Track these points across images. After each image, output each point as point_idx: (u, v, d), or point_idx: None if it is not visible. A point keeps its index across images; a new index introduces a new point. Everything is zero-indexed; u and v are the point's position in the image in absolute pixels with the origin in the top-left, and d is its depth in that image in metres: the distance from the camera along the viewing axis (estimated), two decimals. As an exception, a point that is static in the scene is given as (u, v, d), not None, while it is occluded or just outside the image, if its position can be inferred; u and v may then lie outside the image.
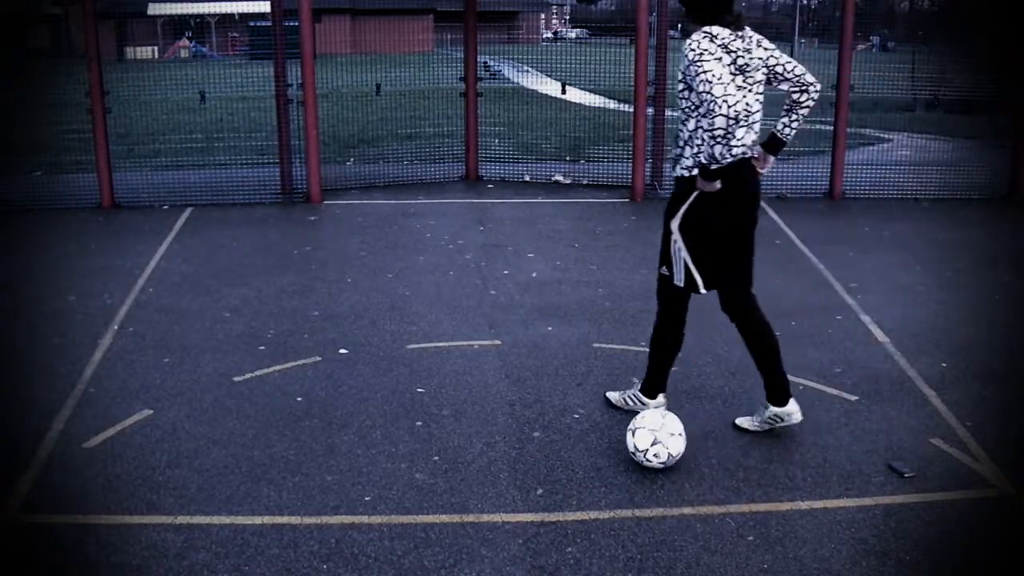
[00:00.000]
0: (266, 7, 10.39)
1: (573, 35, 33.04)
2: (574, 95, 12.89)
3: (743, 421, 4.44)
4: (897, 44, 15.53)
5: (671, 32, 10.53)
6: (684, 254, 4.20)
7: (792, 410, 4.33)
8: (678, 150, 4.17)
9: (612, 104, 14.05)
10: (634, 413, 4.32)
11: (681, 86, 4.05)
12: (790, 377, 5.06)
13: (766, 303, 6.35)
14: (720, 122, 3.78)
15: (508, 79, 15.77)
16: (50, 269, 7.27)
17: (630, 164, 10.01)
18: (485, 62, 12.48)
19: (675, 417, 4.07)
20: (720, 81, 3.81)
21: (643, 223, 9.07)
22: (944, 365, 5.25)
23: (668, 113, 10.28)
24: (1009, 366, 5.27)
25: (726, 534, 3.56)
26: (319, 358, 5.35)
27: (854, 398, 4.80)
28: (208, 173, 10.60)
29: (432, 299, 6.45)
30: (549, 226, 8.72)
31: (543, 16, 41.51)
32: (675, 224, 4.19)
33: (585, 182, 10.80)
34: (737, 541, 3.51)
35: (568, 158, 12.16)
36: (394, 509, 3.73)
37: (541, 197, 10.10)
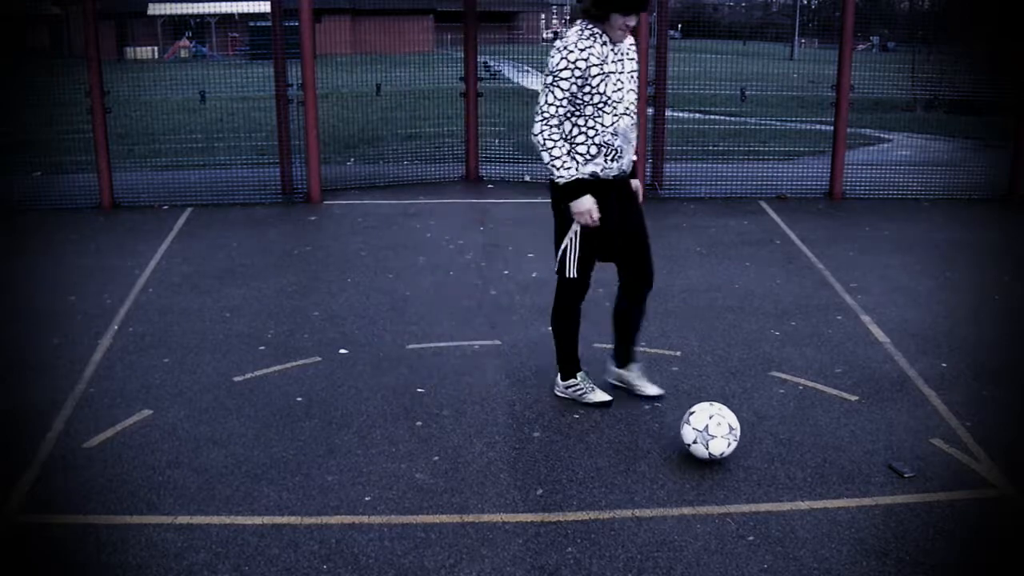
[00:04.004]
0: (266, 7, 10.40)
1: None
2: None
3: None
4: (897, 44, 15.52)
5: (671, 32, 10.53)
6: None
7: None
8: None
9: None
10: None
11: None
12: (790, 377, 5.08)
13: (766, 303, 6.38)
14: None
15: (508, 79, 15.77)
16: (50, 269, 7.27)
17: (630, 164, 9.99)
18: (485, 62, 12.47)
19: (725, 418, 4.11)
20: None
21: (643, 223, 9.07)
22: (944, 365, 5.26)
23: (669, 113, 10.30)
24: (1009, 366, 5.27)
25: (726, 534, 3.56)
26: (319, 358, 5.35)
27: (854, 398, 4.80)
28: (208, 173, 10.60)
29: (432, 299, 6.45)
30: (549, 226, 8.68)
31: (543, 16, 41.48)
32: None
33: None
34: (737, 541, 3.51)
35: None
36: (394, 509, 3.73)
37: (541, 197, 10.06)
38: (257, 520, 3.65)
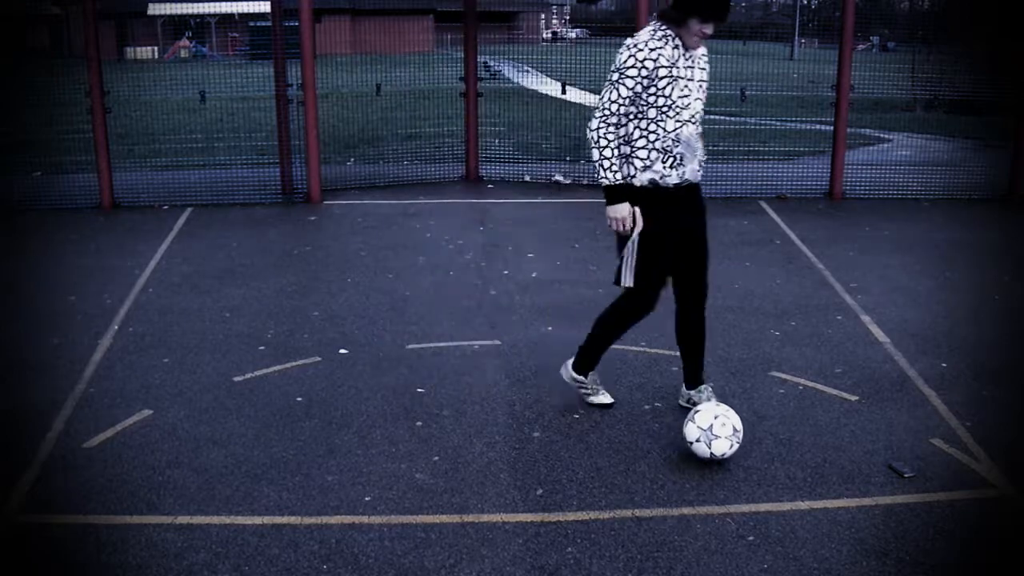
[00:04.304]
0: (266, 7, 10.40)
1: (573, 35, 33.04)
2: (574, 95, 12.90)
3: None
4: (897, 44, 15.53)
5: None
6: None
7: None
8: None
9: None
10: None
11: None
12: (790, 377, 5.08)
13: (766, 303, 6.38)
14: None
15: (508, 79, 15.78)
16: (50, 269, 7.27)
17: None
18: (485, 62, 12.48)
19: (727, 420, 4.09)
20: None
21: (643, 223, 9.07)
22: (944, 365, 5.25)
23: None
24: (1009, 366, 5.27)
25: (726, 534, 3.56)
26: (319, 358, 5.35)
27: (854, 398, 4.80)
28: (208, 173, 10.60)
29: (432, 299, 6.45)
30: (549, 226, 8.72)
31: (543, 16, 41.50)
32: None
33: (585, 182, 10.80)
34: (737, 541, 3.51)
35: (568, 158, 12.16)
36: (394, 509, 3.73)
37: (541, 197, 10.11)
38: (257, 520, 3.65)
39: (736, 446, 4.05)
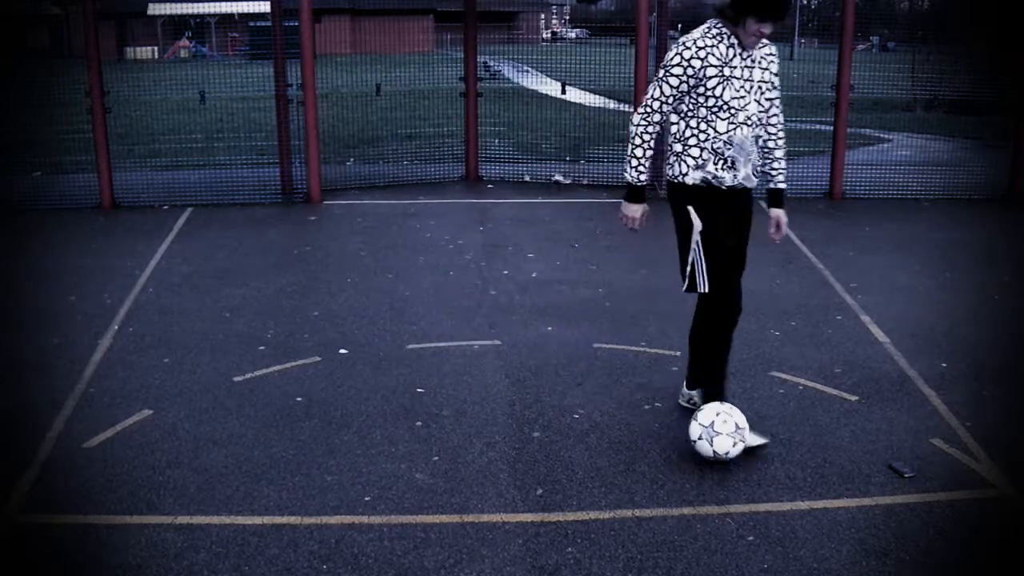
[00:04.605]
0: (266, 7, 10.40)
1: (573, 35, 33.05)
2: (574, 95, 12.90)
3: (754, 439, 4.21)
4: (897, 44, 15.53)
5: (671, 32, 10.53)
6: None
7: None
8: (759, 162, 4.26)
9: (612, 104, 14.06)
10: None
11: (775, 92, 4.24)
12: (790, 377, 5.08)
13: (766, 303, 6.37)
14: None
15: (508, 79, 15.78)
16: (50, 269, 7.27)
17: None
18: (485, 62, 12.48)
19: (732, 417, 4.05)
20: None
21: (643, 223, 9.07)
22: (944, 365, 5.25)
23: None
24: (1009, 366, 5.27)
25: (726, 534, 3.56)
26: (319, 358, 5.35)
27: (854, 398, 4.80)
28: (208, 173, 10.60)
29: (432, 299, 6.45)
30: (549, 226, 8.72)
31: (543, 16, 41.50)
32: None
33: (585, 182, 10.80)
34: (737, 541, 3.51)
35: (568, 158, 12.16)
36: (394, 509, 3.73)
37: (541, 197, 10.10)
38: (257, 520, 3.65)
39: (740, 446, 4.02)
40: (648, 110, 4.08)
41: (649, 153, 4.13)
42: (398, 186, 10.65)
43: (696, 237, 4.13)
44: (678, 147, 4.12)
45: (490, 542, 3.50)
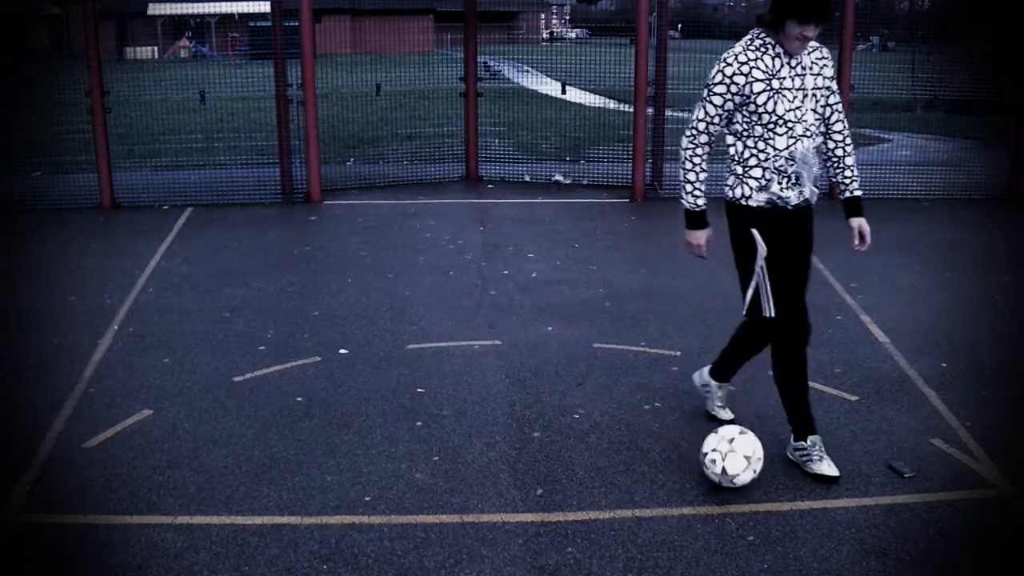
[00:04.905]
0: (266, 7, 10.41)
1: (573, 35, 33.05)
2: (574, 95, 12.91)
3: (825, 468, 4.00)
4: (897, 44, 15.53)
5: (671, 32, 10.53)
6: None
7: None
8: (815, 170, 3.93)
9: (612, 104, 14.07)
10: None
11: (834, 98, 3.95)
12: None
13: (766, 303, 6.35)
14: None
15: (508, 79, 15.78)
16: (50, 269, 7.27)
17: (630, 164, 10.01)
18: (485, 62, 12.48)
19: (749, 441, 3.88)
20: None
21: (643, 223, 9.08)
22: (944, 365, 5.25)
23: (668, 113, 10.30)
24: (1009, 366, 5.27)
25: (726, 534, 3.56)
26: (319, 358, 5.35)
27: (854, 398, 4.80)
28: (208, 173, 10.60)
29: (432, 299, 6.45)
30: (549, 226, 8.72)
31: (543, 16, 41.49)
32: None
33: (585, 182, 10.81)
34: (737, 541, 3.51)
35: (568, 158, 12.17)
36: (394, 509, 3.73)
37: (541, 197, 10.10)
38: (257, 520, 3.65)
39: (752, 476, 3.82)
40: (694, 132, 3.89)
41: (703, 176, 3.93)
42: (398, 186, 10.66)
43: (760, 262, 3.91)
44: (738, 168, 3.89)
45: (490, 542, 3.50)
